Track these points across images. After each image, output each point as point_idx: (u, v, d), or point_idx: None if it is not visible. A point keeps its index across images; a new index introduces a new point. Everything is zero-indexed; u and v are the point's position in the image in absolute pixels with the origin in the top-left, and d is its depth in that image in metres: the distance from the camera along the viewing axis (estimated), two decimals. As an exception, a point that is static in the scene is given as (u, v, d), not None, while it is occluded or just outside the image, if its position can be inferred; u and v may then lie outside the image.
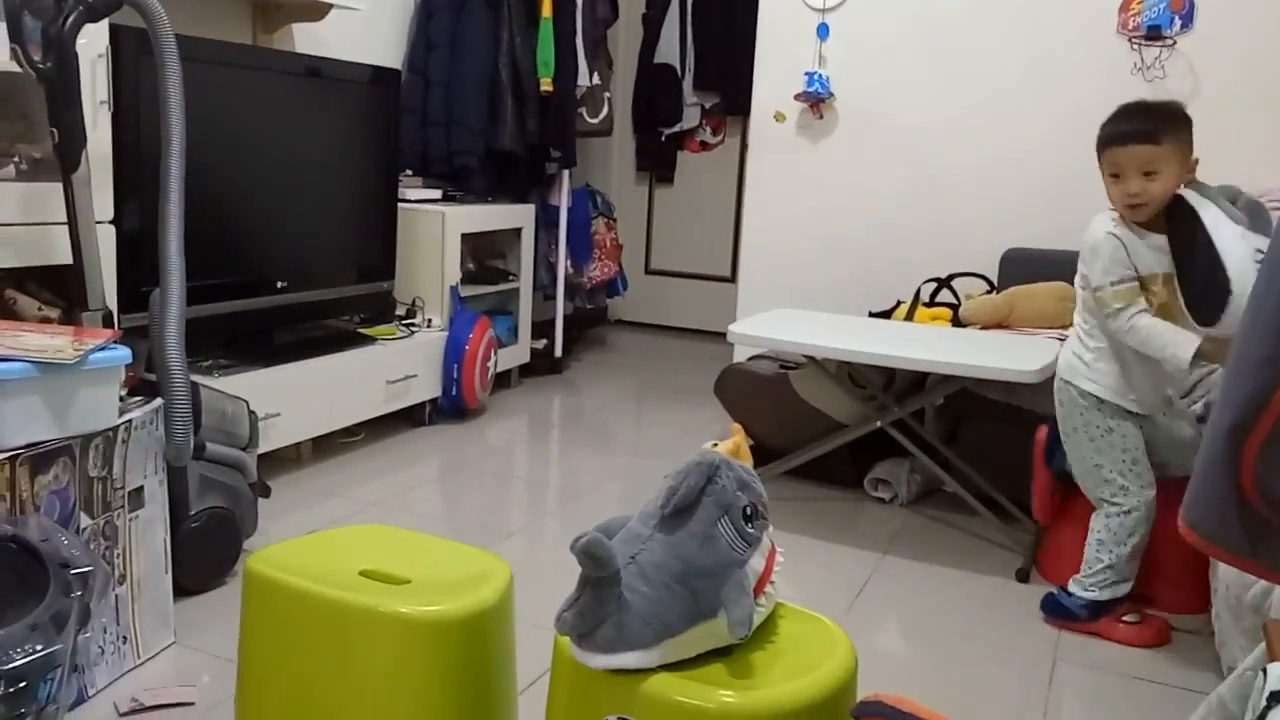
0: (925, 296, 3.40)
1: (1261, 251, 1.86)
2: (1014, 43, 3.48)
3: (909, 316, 3.30)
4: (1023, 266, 3.37)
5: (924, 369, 2.70)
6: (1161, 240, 2.09)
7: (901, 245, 3.66)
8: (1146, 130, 2.03)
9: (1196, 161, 2.06)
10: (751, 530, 1.20)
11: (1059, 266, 3.29)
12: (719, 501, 1.19)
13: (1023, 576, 2.53)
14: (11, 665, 1.28)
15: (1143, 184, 2.04)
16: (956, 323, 3.20)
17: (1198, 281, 1.97)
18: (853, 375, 2.99)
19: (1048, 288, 3.17)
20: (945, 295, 3.41)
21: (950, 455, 2.89)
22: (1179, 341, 2.03)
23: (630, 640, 1.12)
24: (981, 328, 3.12)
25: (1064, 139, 3.44)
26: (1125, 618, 2.24)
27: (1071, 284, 3.17)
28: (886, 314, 3.41)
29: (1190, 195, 2.02)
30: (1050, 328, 3.08)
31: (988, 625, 2.30)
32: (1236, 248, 1.90)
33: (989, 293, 3.35)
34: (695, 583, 1.15)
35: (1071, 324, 3.11)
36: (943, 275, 3.42)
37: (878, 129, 3.70)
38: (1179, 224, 2.04)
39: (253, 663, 1.41)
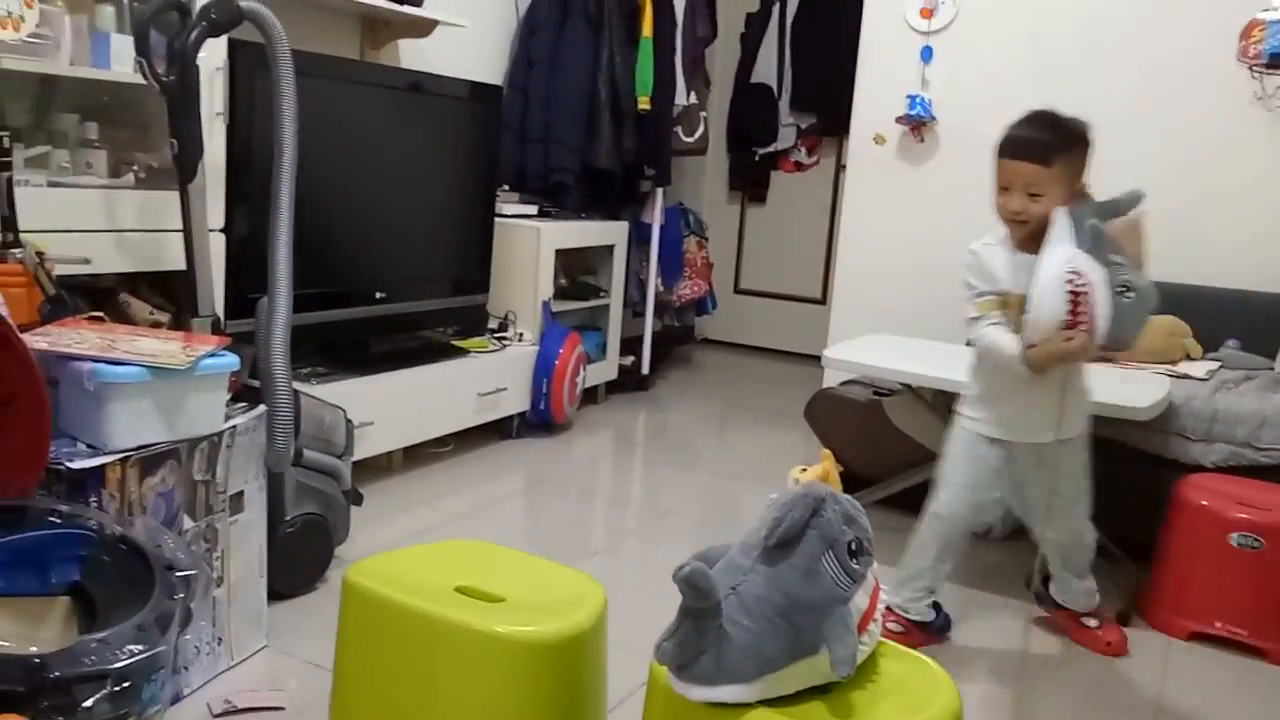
0: (1026, 326, 3.30)
1: (1078, 274, 1.85)
2: (1123, 68, 3.38)
3: (1008, 346, 3.20)
4: (1130, 298, 3.26)
5: (1027, 402, 2.61)
6: (1032, 260, 1.98)
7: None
8: (1039, 151, 1.96)
9: (1085, 186, 2.00)
10: (856, 566, 1.17)
11: (1168, 300, 3.14)
12: (824, 535, 1.16)
13: (1123, 620, 2.43)
14: (118, 665, 1.31)
15: (1025, 203, 1.98)
16: (1058, 354, 3.10)
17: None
18: (950, 406, 2.91)
19: (1156, 321, 3.05)
20: (1047, 325, 3.30)
21: (1049, 491, 2.79)
22: (1012, 346, 2.01)
23: (730, 673, 1.10)
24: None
25: (1175, 167, 3.33)
26: None
27: (1182, 319, 3.07)
28: (985, 343, 3.32)
29: (1059, 212, 1.94)
30: (1158, 363, 2.97)
31: (1086, 669, 2.21)
32: (1048, 268, 1.89)
33: (1093, 324, 3.24)
34: (798, 618, 1.12)
35: (1180, 359, 3.01)
36: (1045, 305, 3.31)
37: (980, 153, 3.56)
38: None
39: (348, 673, 1.42)
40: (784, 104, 5.20)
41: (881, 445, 3.07)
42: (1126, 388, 2.52)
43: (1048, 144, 1.96)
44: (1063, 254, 1.90)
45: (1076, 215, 1.95)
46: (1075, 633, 2.34)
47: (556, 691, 1.33)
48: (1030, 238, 2.01)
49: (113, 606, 1.45)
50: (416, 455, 3.26)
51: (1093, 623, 2.32)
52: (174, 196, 2.19)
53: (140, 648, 1.35)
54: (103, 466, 1.64)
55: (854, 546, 1.17)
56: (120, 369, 1.68)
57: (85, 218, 2.22)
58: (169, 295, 2.43)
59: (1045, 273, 1.90)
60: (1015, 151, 1.99)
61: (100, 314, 1.96)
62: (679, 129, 4.38)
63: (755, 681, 1.10)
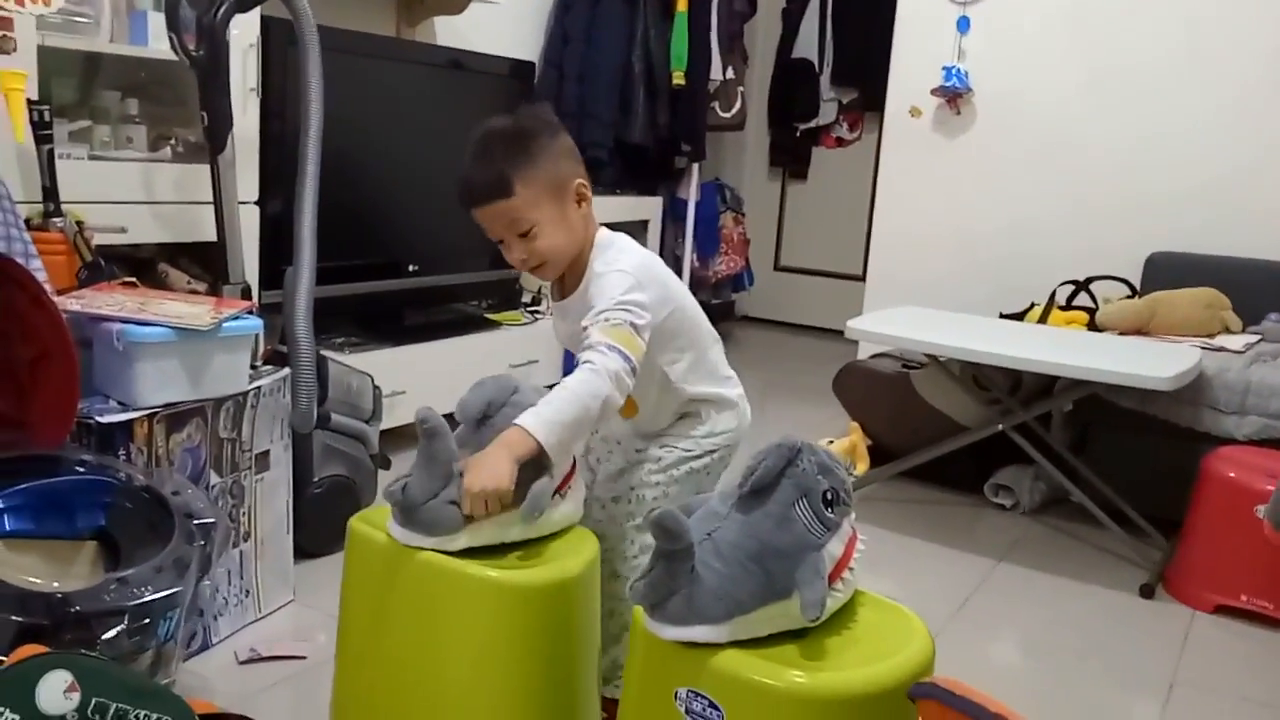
0: (1061, 300, 3.26)
1: None
2: (1166, 33, 3.31)
3: (1043, 319, 3.17)
4: (1169, 271, 3.21)
5: (1052, 372, 2.59)
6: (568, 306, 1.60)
7: (1038, 246, 3.53)
8: (490, 182, 1.49)
9: (583, 186, 1.56)
10: (831, 515, 1.19)
11: (1209, 271, 3.13)
12: (798, 484, 1.18)
13: (1148, 592, 2.41)
14: (136, 602, 1.38)
15: (525, 246, 1.52)
16: (1093, 328, 3.07)
17: None
18: (977, 377, 2.91)
19: (1193, 294, 3.01)
20: (1083, 299, 3.27)
21: (1077, 464, 2.77)
22: None
23: (700, 614, 1.13)
24: (1120, 334, 2.98)
25: (1219, 134, 3.27)
26: None
27: (1221, 291, 3.01)
28: (1019, 316, 3.29)
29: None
30: (1195, 336, 2.92)
31: (1104, 641, 2.20)
32: None
33: (1130, 297, 3.20)
34: (769, 563, 1.15)
35: (1219, 333, 2.96)
36: (1081, 278, 3.28)
37: (1017, 125, 3.59)
38: None
39: (352, 618, 1.48)
40: (825, 79, 5.17)
41: (909, 418, 3.06)
42: (1153, 359, 2.49)
43: (496, 169, 1.49)
44: None
45: None
46: None
47: (549, 634, 1.37)
48: (563, 281, 1.61)
49: (135, 550, 1.53)
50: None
51: None
52: (207, 169, 2.27)
53: (157, 587, 1.42)
54: (131, 421, 1.72)
55: (829, 496, 1.19)
56: (148, 329, 1.75)
57: (124, 189, 2.31)
58: (206, 265, 2.51)
59: None
60: (476, 198, 1.52)
61: (134, 280, 2.05)
62: (715, 104, 4.39)
63: (726, 623, 1.13)
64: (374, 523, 1.46)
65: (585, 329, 1.47)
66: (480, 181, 1.51)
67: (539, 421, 1.37)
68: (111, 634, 1.35)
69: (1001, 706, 0.84)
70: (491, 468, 1.33)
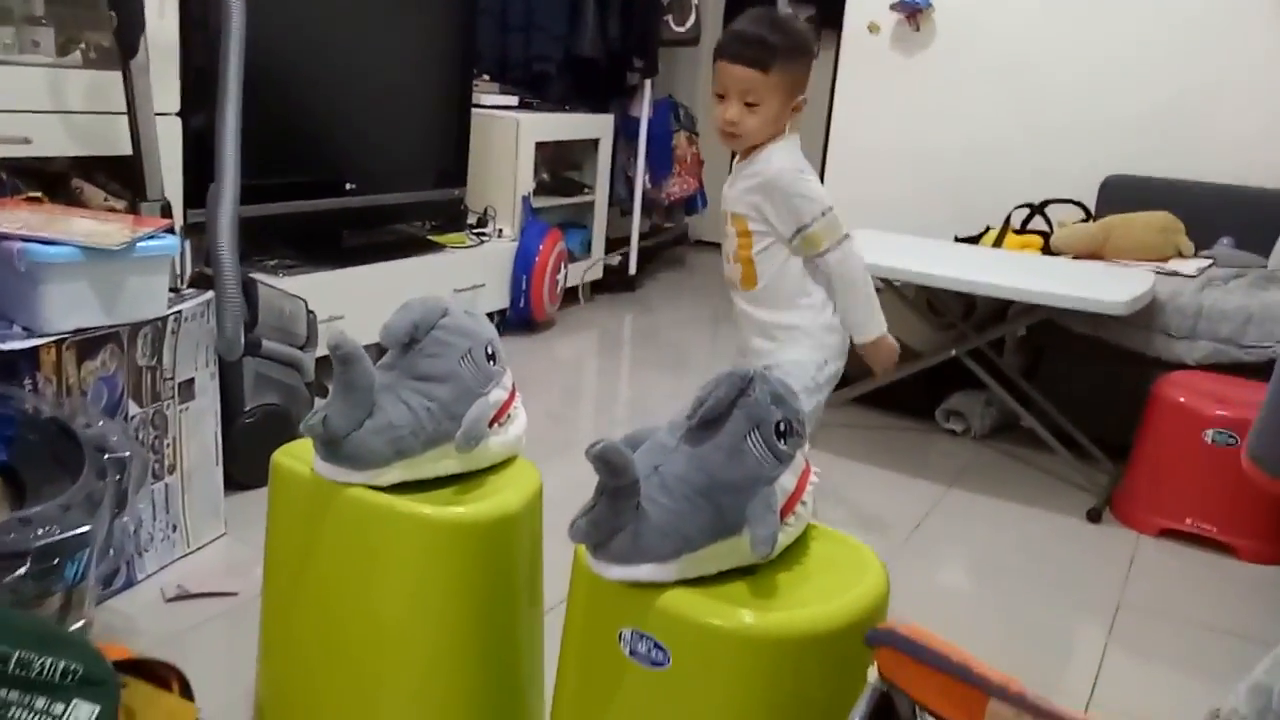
0: (1016, 223, 3.21)
1: None
2: (1128, -52, 3.22)
3: (998, 243, 3.13)
4: (1123, 193, 3.17)
5: (1007, 297, 2.55)
6: (737, 171, 1.83)
7: (995, 168, 3.47)
8: (759, 55, 1.69)
9: (804, 102, 1.78)
10: (784, 447, 1.12)
11: (1163, 195, 3.09)
12: (750, 415, 1.11)
13: (1094, 516, 2.41)
14: (41, 543, 1.29)
15: (741, 112, 1.73)
16: (1047, 251, 3.03)
17: None
18: (931, 302, 2.86)
19: (1147, 217, 2.98)
20: (1038, 223, 3.22)
21: (1029, 389, 2.75)
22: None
23: (646, 552, 1.06)
24: (1074, 257, 2.95)
25: (1177, 54, 3.20)
26: None
27: (1175, 215, 2.98)
28: (974, 240, 3.24)
29: None
30: (1148, 260, 2.89)
31: (1052, 565, 2.20)
32: None
33: (1084, 221, 3.15)
34: (719, 497, 1.08)
35: (1172, 256, 2.93)
36: (1036, 201, 3.23)
37: (977, 43, 3.49)
38: None
39: (278, 559, 1.40)
40: (781, -5, 5.01)
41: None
42: (1107, 283, 2.45)
43: (769, 47, 1.69)
44: None
45: None
46: None
47: (487, 573, 1.30)
48: (743, 154, 1.82)
49: (41, 487, 1.42)
50: (392, 351, 3.21)
51: None
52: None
53: (64, 527, 1.33)
54: (37, 348, 1.60)
55: (782, 427, 1.13)
56: (53, 249, 1.62)
57: (29, 98, 2.14)
58: (126, 182, 2.36)
59: None
60: (734, 55, 1.71)
61: (40, 195, 1.90)
62: (669, 18, 4.22)
63: (673, 561, 1.07)
64: (299, 456, 1.37)
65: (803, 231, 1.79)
66: (753, 45, 1.70)
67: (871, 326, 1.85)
68: (13, 577, 1.25)
69: (964, 654, 0.78)
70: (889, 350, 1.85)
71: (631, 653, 1.09)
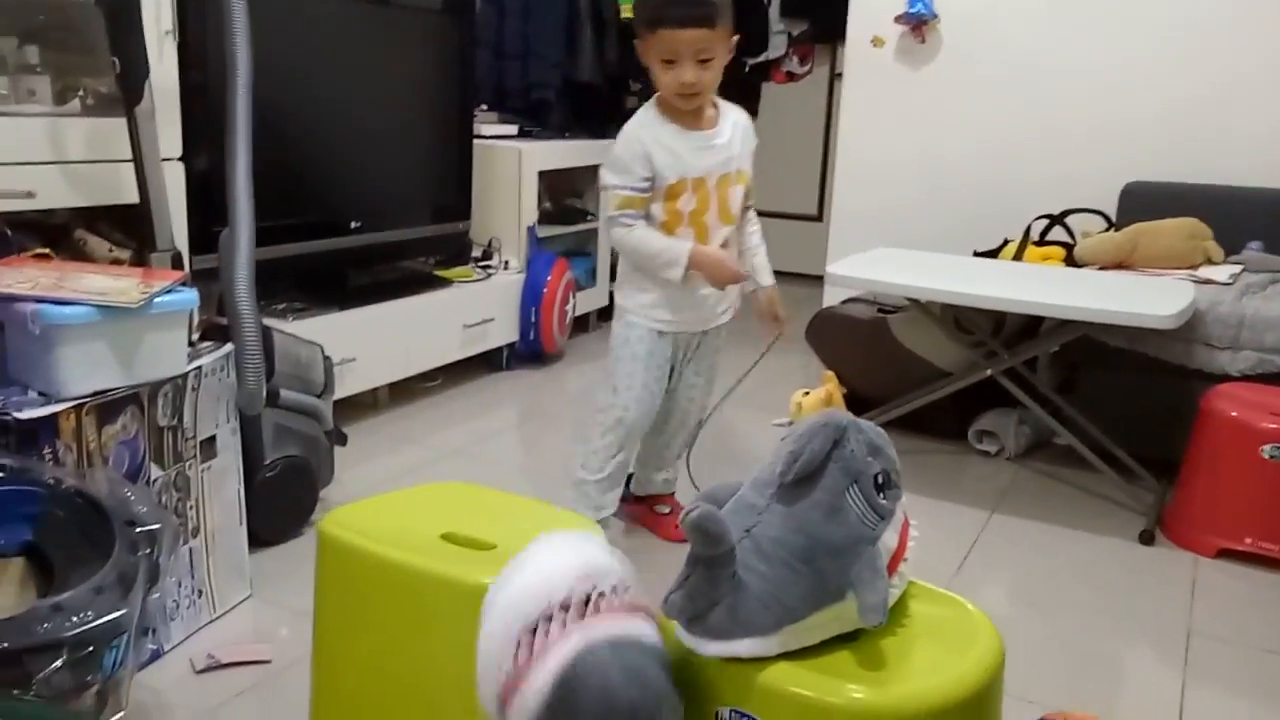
0: (1035, 235, 3.15)
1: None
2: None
3: (1018, 256, 3.06)
4: (1146, 201, 3.12)
5: (1048, 314, 2.47)
6: (709, 137, 1.97)
7: (1010, 180, 3.41)
8: (705, 14, 1.82)
9: (738, 41, 1.91)
10: (884, 501, 1.05)
11: (1186, 200, 3.03)
12: (847, 469, 1.03)
13: (1147, 538, 2.33)
14: (75, 632, 1.19)
15: (698, 72, 1.86)
16: (1070, 263, 2.96)
17: None
18: (959, 320, 2.79)
19: (1175, 224, 2.92)
20: (1058, 234, 3.16)
21: (1064, 405, 2.68)
22: (672, 252, 1.94)
23: (747, 625, 0.98)
24: (1100, 268, 2.88)
25: (1193, 58, 3.16)
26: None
27: (1202, 220, 2.92)
28: (993, 254, 3.18)
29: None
30: (1178, 268, 2.83)
31: (1111, 592, 2.12)
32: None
33: (1107, 230, 3.10)
34: (820, 561, 1.00)
35: (1201, 264, 2.87)
36: (1055, 212, 3.16)
37: (986, 53, 3.44)
38: None
39: (329, 630, 1.31)
40: (774, 10, 4.96)
41: (887, 365, 2.95)
42: (1148, 295, 2.39)
43: (709, 3, 1.83)
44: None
45: None
46: (648, 519, 2.32)
47: (555, 645, 1.22)
48: (698, 112, 1.96)
49: (71, 567, 1.33)
50: (403, 391, 3.13)
51: (664, 509, 2.31)
52: (124, 124, 2.02)
53: (99, 612, 1.23)
54: (55, 415, 1.51)
55: (880, 480, 1.05)
56: (68, 309, 1.54)
57: (29, 149, 2.04)
58: (130, 231, 2.27)
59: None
60: (681, 20, 1.82)
61: (47, 251, 1.81)
62: (665, 40, 4.17)
63: (775, 633, 0.99)
64: (346, 524, 1.28)
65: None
66: (696, 6, 1.81)
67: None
68: (48, 671, 1.16)
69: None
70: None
71: (732, 734, 1.01)
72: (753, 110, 5.29)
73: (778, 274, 2.23)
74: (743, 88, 5.23)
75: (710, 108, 1.99)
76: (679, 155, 1.94)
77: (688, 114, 1.95)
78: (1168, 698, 1.74)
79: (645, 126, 1.96)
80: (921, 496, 2.57)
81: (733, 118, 2.03)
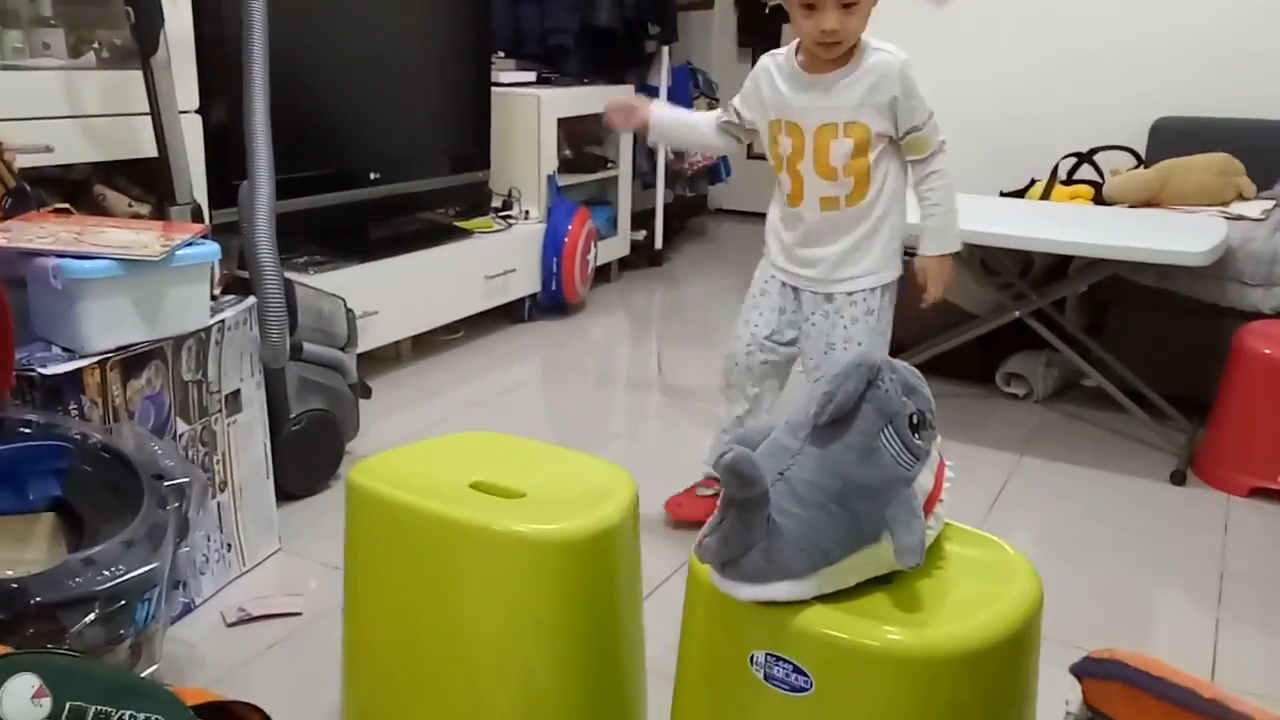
0: (1063, 173, 3.09)
1: None
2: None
3: (1045, 195, 3.00)
4: (1175, 138, 3.05)
5: (1079, 253, 2.43)
6: (826, 82, 1.78)
7: (1037, 118, 3.34)
8: None
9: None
10: (919, 442, 1.03)
11: (1219, 136, 2.96)
12: (882, 409, 1.01)
13: (1179, 478, 2.31)
14: (107, 585, 1.20)
15: (842, 18, 1.71)
16: (1099, 201, 2.91)
17: None
18: (985, 261, 2.75)
19: (1206, 160, 2.85)
20: (1086, 172, 3.09)
21: (1094, 346, 2.64)
22: None
23: (782, 568, 0.97)
24: (1129, 206, 2.82)
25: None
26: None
27: (1234, 155, 2.85)
28: (1020, 193, 3.12)
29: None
30: (1210, 204, 2.77)
31: (1143, 534, 2.10)
32: None
33: (1136, 167, 3.03)
34: (855, 503, 0.98)
35: (1233, 200, 2.81)
36: (1083, 149, 3.10)
37: (1010, -13, 3.35)
38: None
39: (359, 580, 1.31)
40: (793, -50, 4.85)
41: (911, 308, 2.90)
42: (1179, 233, 2.34)
43: None
44: None
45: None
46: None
47: (587, 592, 1.21)
48: (839, 60, 1.78)
49: (100, 521, 1.34)
50: (426, 344, 3.12)
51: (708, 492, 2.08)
52: (141, 76, 2.00)
53: (130, 566, 1.24)
54: (80, 370, 1.50)
55: (915, 420, 1.03)
56: (89, 263, 1.53)
57: (46, 103, 2.03)
58: (149, 185, 2.25)
59: None
60: None
61: (67, 206, 1.80)
62: (683, -19, 4.09)
63: (810, 576, 0.97)
64: (375, 474, 1.28)
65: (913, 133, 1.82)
66: None
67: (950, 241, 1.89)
68: (81, 624, 1.17)
69: (1208, 686, 0.68)
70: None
71: (767, 677, 1.00)
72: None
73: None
74: (764, 29, 5.15)
75: (854, 56, 1.78)
76: (781, 93, 1.82)
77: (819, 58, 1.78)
78: (1201, 638, 1.72)
79: (774, 55, 1.86)
80: (949, 441, 2.52)
81: (872, 63, 1.78)
